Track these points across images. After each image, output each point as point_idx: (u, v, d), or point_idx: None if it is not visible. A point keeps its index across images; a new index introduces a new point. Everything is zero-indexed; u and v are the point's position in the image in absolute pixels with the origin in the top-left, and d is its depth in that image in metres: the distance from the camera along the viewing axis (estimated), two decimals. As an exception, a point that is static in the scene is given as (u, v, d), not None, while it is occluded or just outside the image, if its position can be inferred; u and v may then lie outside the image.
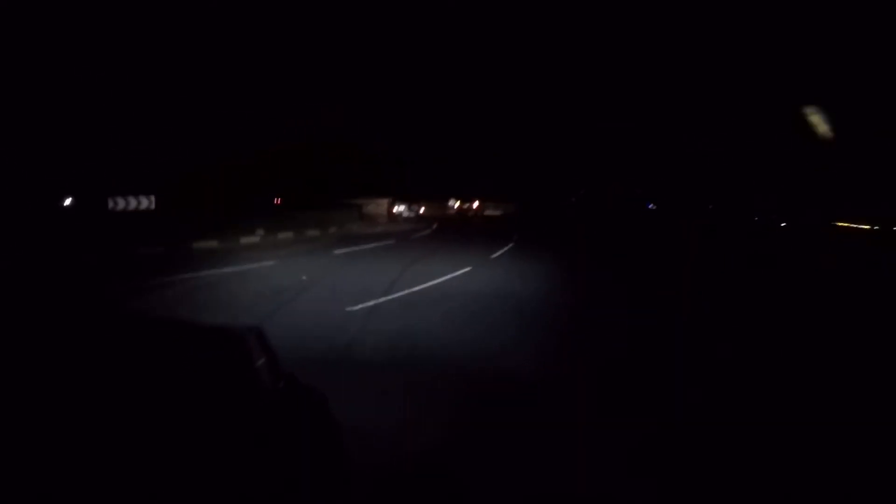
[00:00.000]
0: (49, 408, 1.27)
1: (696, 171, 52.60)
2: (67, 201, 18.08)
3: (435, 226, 29.08)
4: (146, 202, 19.83)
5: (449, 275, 10.19)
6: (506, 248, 16.36)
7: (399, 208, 35.43)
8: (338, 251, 14.64)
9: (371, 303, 7.42)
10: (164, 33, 22.65)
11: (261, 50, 27.78)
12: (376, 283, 9.12)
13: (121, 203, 18.80)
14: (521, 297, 8.66)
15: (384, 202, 34.18)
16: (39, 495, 1.07)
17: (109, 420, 1.27)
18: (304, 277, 9.80)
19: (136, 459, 1.20)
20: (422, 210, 39.00)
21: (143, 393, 1.39)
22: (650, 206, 61.28)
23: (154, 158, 20.44)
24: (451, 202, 48.05)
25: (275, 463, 1.46)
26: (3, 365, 1.39)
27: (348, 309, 7.01)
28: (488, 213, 47.48)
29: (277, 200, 26.93)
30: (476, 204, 49.19)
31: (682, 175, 55.05)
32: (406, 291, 8.39)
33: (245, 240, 17.69)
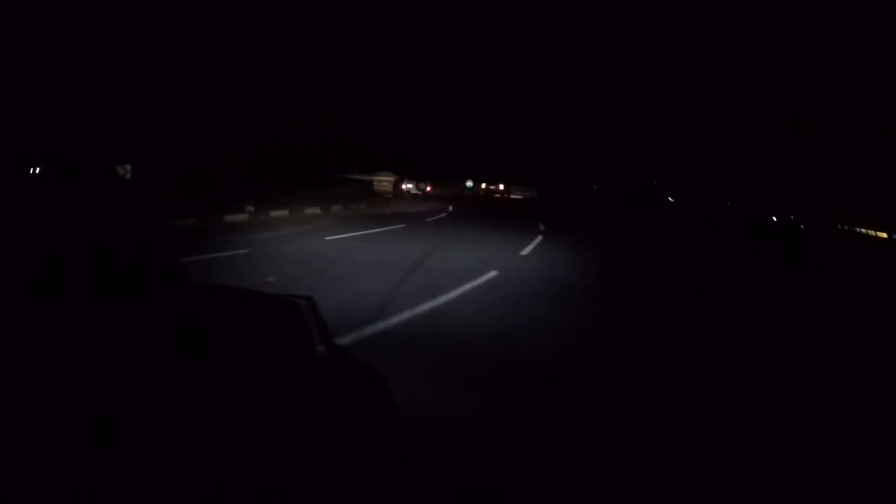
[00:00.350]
0: (119, 369, 1.12)
1: (698, 171, 51.14)
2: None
3: (451, 208, 26.22)
4: (121, 172, 17.05)
5: (468, 283, 7.30)
6: (535, 243, 13.39)
7: (407, 186, 34.01)
8: (333, 236, 11.83)
9: (348, 338, 4.58)
10: (164, 33, 21.85)
11: (261, 50, 27.38)
12: (366, 293, 6.30)
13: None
14: (590, 346, 5.80)
15: (391, 179, 31.58)
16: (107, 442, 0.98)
17: (179, 379, 1.17)
18: (270, 279, 7.01)
19: (203, 421, 1.09)
20: (428, 188, 38.25)
21: (209, 357, 1.29)
22: (670, 200, 59.97)
23: (154, 159, 18.95)
24: (468, 183, 46.23)
25: (333, 433, 1.33)
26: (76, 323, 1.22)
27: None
28: (514, 196, 48.09)
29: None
30: (502, 186, 50.47)
31: (684, 174, 53.80)
32: (407, 315, 5.52)
33: (231, 217, 15.01)
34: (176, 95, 21.73)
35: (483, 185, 51.79)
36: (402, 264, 8.34)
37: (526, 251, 11.51)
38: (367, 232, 13.08)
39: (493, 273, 8.21)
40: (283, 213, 17.17)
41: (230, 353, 1.33)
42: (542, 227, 18.33)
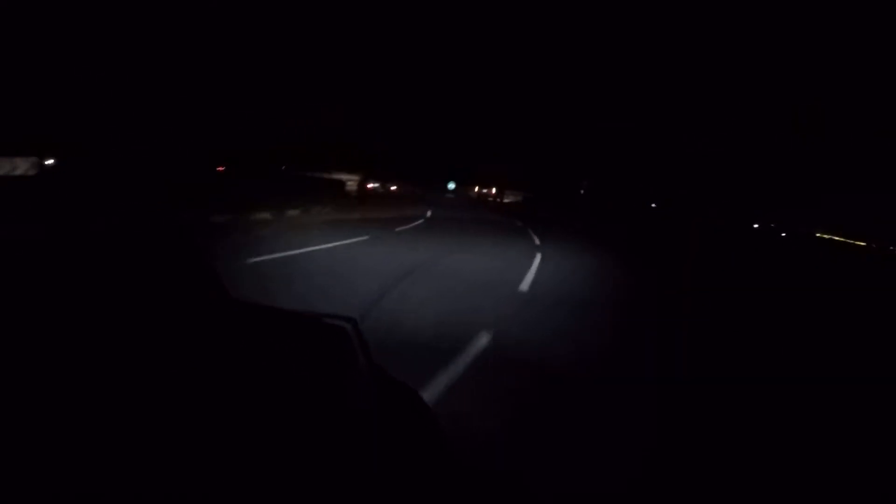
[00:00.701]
0: (163, 393, 0.99)
1: (697, 172, 49.63)
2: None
3: (429, 213, 22.94)
4: (24, 166, 13.42)
5: (442, 372, 4.06)
6: (534, 268, 10.18)
7: (373, 185, 33.08)
8: (262, 257, 8.45)
9: None
10: (164, 33, 21.37)
11: (261, 50, 26.90)
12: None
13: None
14: None
15: (356, 179, 28.81)
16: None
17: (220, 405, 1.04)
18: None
19: (248, 448, 0.97)
20: (393, 188, 37.11)
21: (257, 382, 1.14)
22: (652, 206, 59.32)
23: (154, 159, 17.46)
24: (450, 185, 43.39)
25: (380, 452, 1.18)
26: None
27: None
28: (507, 200, 48.19)
29: (220, 168, 20.45)
30: (494, 190, 51.01)
31: (684, 175, 52.45)
32: None
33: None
34: (176, 95, 20.90)
35: (476, 189, 51.69)
36: (354, 309, 5.05)
37: (525, 284, 8.26)
38: (314, 249, 9.75)
39: (483, 339, 4.96)
40: (225, 217, 13.79)
41: (277, 375, 1.18)
42: (537, 242, 15.20)
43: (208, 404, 1.00)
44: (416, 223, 17.35)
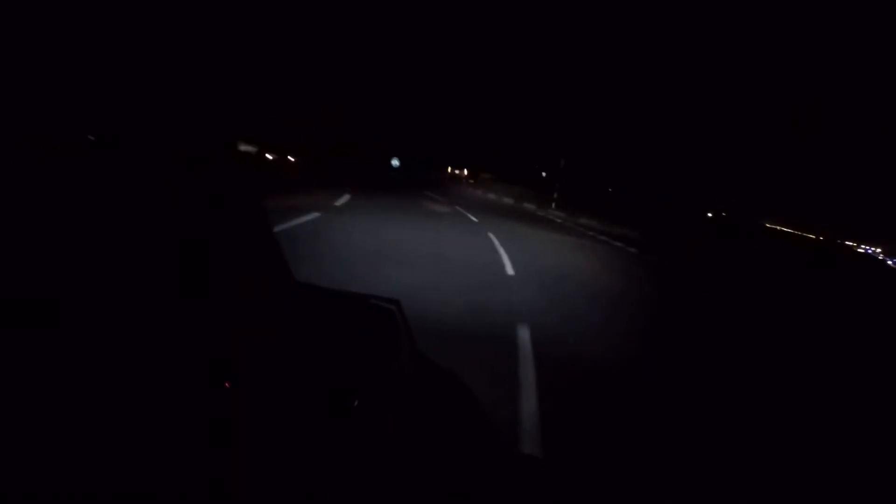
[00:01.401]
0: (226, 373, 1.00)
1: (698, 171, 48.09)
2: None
3: (347, 199, 15.99)
4: None
5: None
6: (529, 385, 5.00)
7: (271, 156, 28.59)
8: None
9: None
10: (164, 34, 20.56)
11: (261, 50, 26.34)
12: None
13: None
14: None
15: (252, 150, 24.77)
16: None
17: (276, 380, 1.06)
18: None
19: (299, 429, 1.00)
20: (290, 158, 31.07)
21: (312, 359, 1.21)
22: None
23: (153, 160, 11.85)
24: (394, 162, 37.04)
25: (422, 440, 1.29)
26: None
27: None
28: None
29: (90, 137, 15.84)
30: (466, 171, 51.77)
31: (684, 174, 51.42)
32: None
33: None
34: (176, 96, 20.02)
35: (448, 170, 49.05)
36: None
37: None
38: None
39: None
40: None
41: (333, 350, 1.24)
42: (510, 272, 9.79)
43: (278, 373, 0.98)
44: (307, 218, 10.38)
